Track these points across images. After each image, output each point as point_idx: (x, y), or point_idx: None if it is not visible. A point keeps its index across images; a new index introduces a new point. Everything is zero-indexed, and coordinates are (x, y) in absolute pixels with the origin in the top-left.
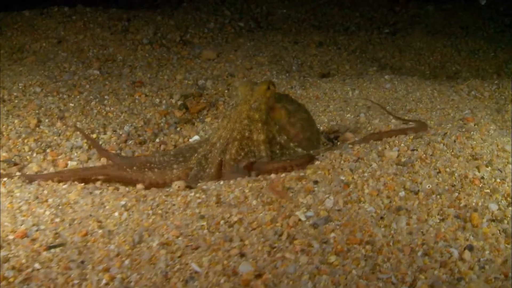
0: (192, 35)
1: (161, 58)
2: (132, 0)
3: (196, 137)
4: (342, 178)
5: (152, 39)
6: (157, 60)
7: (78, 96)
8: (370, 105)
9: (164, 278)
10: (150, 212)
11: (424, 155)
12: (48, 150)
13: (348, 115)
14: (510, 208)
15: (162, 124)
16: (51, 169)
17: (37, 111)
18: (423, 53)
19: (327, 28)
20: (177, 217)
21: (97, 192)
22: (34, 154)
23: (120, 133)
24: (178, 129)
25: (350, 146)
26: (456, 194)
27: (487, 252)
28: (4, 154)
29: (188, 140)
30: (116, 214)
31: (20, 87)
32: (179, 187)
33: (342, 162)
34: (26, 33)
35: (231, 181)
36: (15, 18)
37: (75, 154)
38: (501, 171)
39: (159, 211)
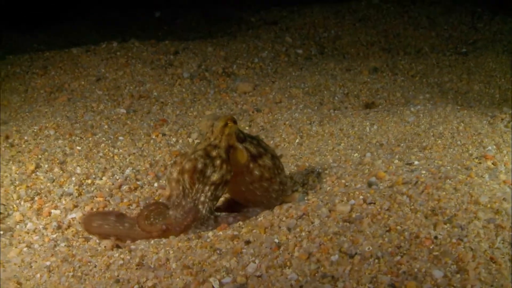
0: (239, 66)
1: (197, 93)
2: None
3: None
4: (276, 238)
5: (194, 73)
6: (193, 95)
7: (90, 138)
8: (384, 142)
9: None
10: (71, 274)
11: (379, 210)
12: (36, 198)
13: (356, 154)
14: (459, 275)
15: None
16: (34, 219)
17: (39, 156)
18: (494, 75)
19: (397, 51)
20: (93, 281)
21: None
22: (22, 202)
23: (117, 178)
24: None
25: (306, 199)
26: (399, 257)
27: None
28: None
29: None
30: (38, 275)
31: (35, 130)
32: (105, 246)
33: (284, 219)
34: (68, 71)
35: (163, 240)
36: (62, 56)
37: (63, 201)
38: (462, 229)
39: (79, 273)
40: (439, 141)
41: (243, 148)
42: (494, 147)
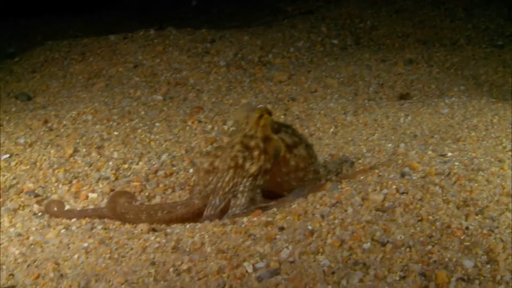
0: (275, 55)
1: (233, 81)
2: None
3: None
4: (309, 225)
5: (231, 61)
6: (229, 83)
7: (127, 124)
8: (418, 134)
9: None
10: (108, 255)
11: (411, 200)
12: (74, 181)
13: (390, 144)
14: (489, 265)
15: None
16: (72, 201)
17: (77, 141)
18: None
19: (433, 43)
20: (129, 263)
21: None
22: (60, 185)
23: (153, 163)
24: None
25: (340, 187)
26: (430, 247)
27: None
28: (30, 185)
29: None
30: (76, 256)
31: (73, 115)
32: (142, 230)
33: (318, 206)
34: (106, 58)
35: (198, 225)
36: (100, 42)
37: (100, 185)
38: (493, 220)
39: (116, 255)
40: (473, 133)
41: (278, 139)
42: None
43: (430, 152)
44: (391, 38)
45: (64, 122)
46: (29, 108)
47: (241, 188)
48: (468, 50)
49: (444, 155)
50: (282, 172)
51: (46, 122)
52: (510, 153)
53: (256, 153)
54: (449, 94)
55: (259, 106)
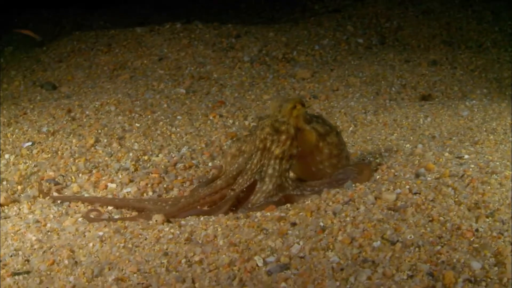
0: (299, 52)
1: (256, 77)
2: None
3: None
4: (321, 222)
5: (255, 57)
6: (252, 78)
7: (149, 116)
8: (437, 135)
9: None
10: (122, 245)
11: (423, 201)
12: (94, 171)
13: (408, 145)
14: (496, 268)
15: (225, 147)
16: (91, 191)
17: (99, 131)
18: None
19: (459, 44)
20: (143, 252)
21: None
22: (80, 175)
23: (173, 155)
24: None
25: (354, 185)
26: (439, 247)
27: None
28: (50, 173)
29: None
30: (91, 244)
31: (96, 106)
32: (156, 221)
33: (330, 203)
34: (132, 50)
35: (212, 218)
36: (126, 34)
37: (120, 176)
38: (503, 223)
39: (130, 245)
40: (491, 137)
41: (311, 128)
42: None
43: (447, 154)
44: (417, 39)
45: (87, 112)
46: (53, 97)
47: (270, 171)
48: (493, 53)
49: (460, 157)
50: (317, 161)
51: (69, 111)
52: None
53: (283, 137)
54: (471, 96)
55: (293, 96)
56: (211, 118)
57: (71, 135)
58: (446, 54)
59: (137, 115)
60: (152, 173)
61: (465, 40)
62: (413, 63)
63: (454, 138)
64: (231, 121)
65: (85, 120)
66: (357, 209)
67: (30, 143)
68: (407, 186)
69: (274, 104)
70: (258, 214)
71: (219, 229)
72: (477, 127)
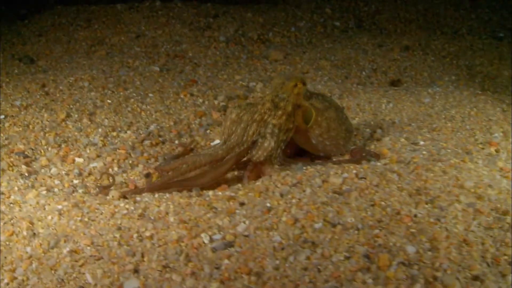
0: (275, 33)
1: (230, 57)
2: None
3: (217, 142)
4: (268, 202)
5: (231, 37)
6: (226, 58)
7: (121, 93)
8: (397, 121)
9: (58, 284)
10: (79, 218)
11: (368, 185)
12: (63, 145)
13: (368, 129)
14: (430, 252)
15: (193, 125)
16: (58, 165)
17: (71, 106)
18: None
19: (434, 30)
20: (97, 226)
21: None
22: (49, 148)
23: (141, 132)
24: (208, 131)
25: (304, 168)
26: (377, 231)
27: None
28: (20, 146)
29: (209, 144)
30: (49, 217)
31: (70, 81)
32: (113, 196)
33: (279, 185)
34: (110, 26)
35: (166, 195)
36: (106, 11)
37: (88, 151)
38: (442, 210)
39: (86, 219)
40: (449, 124)
41: (309, 104)
42: (502, 134)
43: (403, 140)
44: (394, 23)
45: (61, 87)
46: (30, 71)
47: (269, 131)
48: (467, 40)
49: (416, 144)
50: (316, 133)
51: (43, 86)
52: (480, 146)
53: (279, 112)
54: (439, 83)
55: (296, 75)
56: (182, 96)
57: (43, 110)
58: (419, 40)
59: (109, 91)
60: (119, 149)
61: (441, 26)
62: (386, 48)
63: (413, 124)
64: (201, 100)
65: (58, 95)
66: (304, 191)
67: (2, 117)
68: (354, 171)
69: (277, 81)
70: (210, 193)
71: (172, 206)
72: (436, 114)
